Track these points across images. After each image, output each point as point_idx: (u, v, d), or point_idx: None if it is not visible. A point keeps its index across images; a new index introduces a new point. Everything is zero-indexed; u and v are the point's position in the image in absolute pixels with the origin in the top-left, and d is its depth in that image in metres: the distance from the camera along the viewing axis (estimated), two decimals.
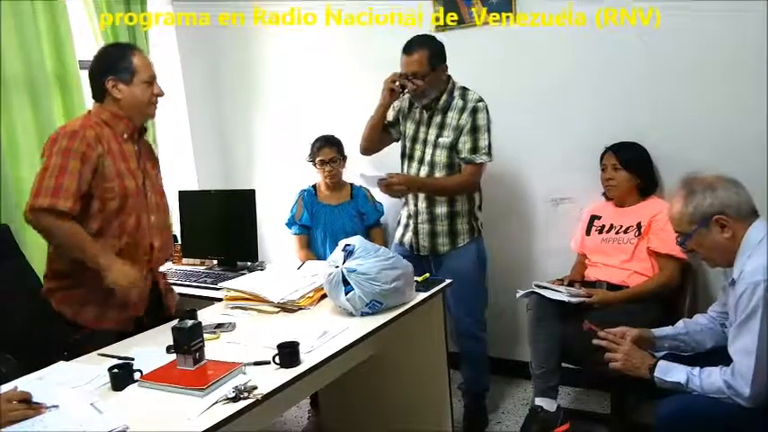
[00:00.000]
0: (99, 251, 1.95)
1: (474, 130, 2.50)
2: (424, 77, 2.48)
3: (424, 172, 2.60)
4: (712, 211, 1.73)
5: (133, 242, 2.07)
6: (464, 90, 2.58)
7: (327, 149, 3.03)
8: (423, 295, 2.19)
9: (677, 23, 2.50)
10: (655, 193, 2.62)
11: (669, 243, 2.39)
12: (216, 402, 1.49)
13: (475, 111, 2.51)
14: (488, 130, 2.53)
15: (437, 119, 2.57)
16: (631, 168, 2.57)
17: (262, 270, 2.80)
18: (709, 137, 2.52)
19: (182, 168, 3.70)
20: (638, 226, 2.52)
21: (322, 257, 3.02)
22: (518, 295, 2.52)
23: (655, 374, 1.79)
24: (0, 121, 2.78)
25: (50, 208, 1.87)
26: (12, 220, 2.79)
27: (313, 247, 3.14)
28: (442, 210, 2.60)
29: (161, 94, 2.12)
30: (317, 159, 3.04)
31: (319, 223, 3.09)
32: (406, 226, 2.71)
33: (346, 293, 2.01)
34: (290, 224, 3.15)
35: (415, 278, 2.22)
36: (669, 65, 2.56)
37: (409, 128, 2.67)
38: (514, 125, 2.92)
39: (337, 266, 2.04)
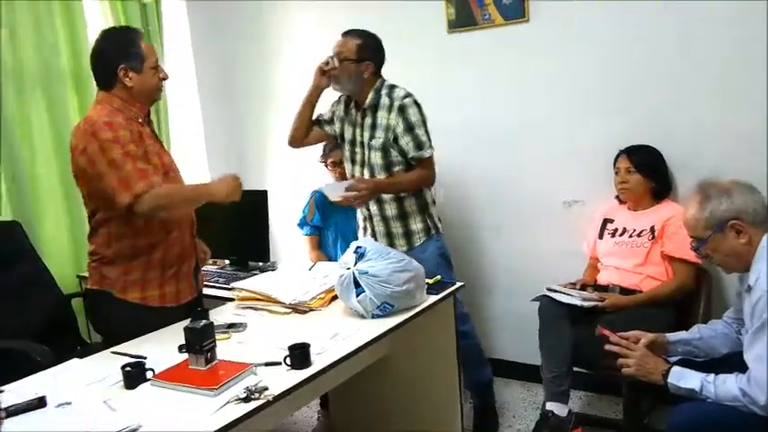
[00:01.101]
0: (198, 188, 2.10)
1: (409, 128, 2.45)
2: (344, 61, 2.46)
3: (366, 175, 2.57)
4: (728, 217, 1.72)
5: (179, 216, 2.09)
6: (391, 88, 2.51)
7: (339, 151, 3.03)
8: (434, 298, 2.19)
9: (692, 24, 2.48)
10: (669, 196, 2.60)
11: (683, 247, 2.37)
12: (227, 403, 1.49)
13: (402, 109, 2.45)
14: (424, 123, 2.49)
15: (368, 119, 2.54)
16: (645, 171, 2.55)
17: (273, 270, 2.80)
18: (724, 140, 2.49)
19: (195, 168, 3.71)
20: (652, 230, 2.50)
21: (333, 258, 3.02)
22: (530, 299, 2.51)
23: (668, 380, 1.78)
24: None
25: (148, 189, 1.87)
26: (26, 216, 2.83)
27: (324, 248, 3.14)
28: (392, 212, 2.58)
29: (167, 77, 2.10)
30: (329, 161, 3.04)
31: (331, 224, 3.09)
32: (365, 229, 2.70)
33: (357, 295, 2.01)
34: (301, 225, 3.15)
35: (427, 280, 2.22)
36: (684, 67, 2.54)
37: (347, 131, 2.64)
38: (527, 126, 2.91)
39: (349, 268, 2.04)
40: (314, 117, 2.68)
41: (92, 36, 3.11)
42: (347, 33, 2.50)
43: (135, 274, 2.01)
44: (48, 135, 2.98)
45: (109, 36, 2.06)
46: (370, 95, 2.51)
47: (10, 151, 2.79)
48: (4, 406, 1.48)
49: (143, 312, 2.01)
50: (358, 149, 2.59)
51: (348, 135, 2.63)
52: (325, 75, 2.51)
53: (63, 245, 3.05)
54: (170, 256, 2.06)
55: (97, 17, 3.20)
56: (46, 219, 2.98)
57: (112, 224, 1.98)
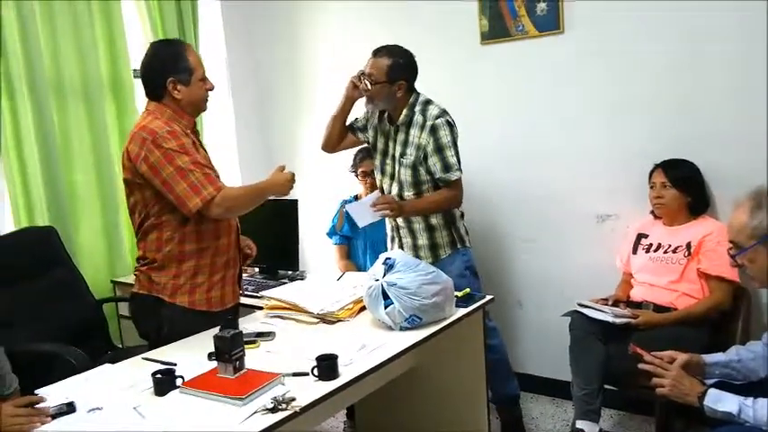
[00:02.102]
0: (258, 186, 2.13)
1: (439, 149, 2.44)
2: (376, 84, 2.45)
3: (395, 189, 2.58)
4: None
5: (227, 224, 2.14)
6: (426, 105, 2.50)
7: (369, 161, 3.03)
8: (463, 311, 2.17)
9: (735, 34, 2.42)
10: (706, 212, 2.53)
11: (720, 265, 2.32)
12: (255, 412, 1.50)
13: (434, 130, 2.43)
14: (454, 144, 2.47)
15: (401, 135, 2.54)
16: (681, 186, 2.49)
17: (302, 279, 2.82)
18: (765, 155, 2.42)
19: (227, 176, 3.76)
20: (688, 246, 2.44)
21: (362, 268, 3.03)
22: (560, 314, 2.47)
23: (705, 403, 1.72)
24: (32, 124, 2.86)
25: (217, 193, 1.95)
26: (63, 222, 2.89)
27: (353, 258, 3.15)
28: (419, 225, 2.58)
29: (212, 87, 2.14)
30: (359, 170, 3.05)
31: (360, 234, 3.09)
32: (393, 239, 2.70)
33: (386, 307, 2.00)
34: (330, 234, 3.17)
35: (456, 293, 2.20)
36: (725, 79, 2.48)
37: (380, 141, 2.64)
38: (560, 139, 2.88)
39: (377, 280, 2.04)
40: (348, 122, 2.70)
41: (130, 40, 3.20)
42: (377, 53, 2.48)
43: (184, 278, 2.05)
44: (86, 142, 3.05)
45: (158, 49, 2.11)
46: (404, 112, 2.51)
47: (49, 158, 2.86)
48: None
49: (191, 316, 2.05)
50: (389, 161, 2.60)
51: (381, 145, 2.64)
52: (357, 88, 2.52)
53: (98, 250, 3.12)
54: (218, 261, 2.11)
55: (133, 17, 3.27)
56: (82, 224, 3.05)
57: (163, 229, 2.03)
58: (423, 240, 2.59)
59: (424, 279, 2.03)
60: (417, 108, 2.51)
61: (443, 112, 2.49)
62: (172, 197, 1.95)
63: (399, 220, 2.61)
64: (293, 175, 2.16)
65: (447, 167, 2.46)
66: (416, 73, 2.53)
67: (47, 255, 2.70)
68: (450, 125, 2.48)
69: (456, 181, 2.50)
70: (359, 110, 2.68)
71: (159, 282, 2.04)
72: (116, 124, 3.19)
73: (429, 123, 2.46)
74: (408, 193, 2.54)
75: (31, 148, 2.82)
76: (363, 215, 2.55)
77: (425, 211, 2.55)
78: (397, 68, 2.45)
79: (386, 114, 2.61)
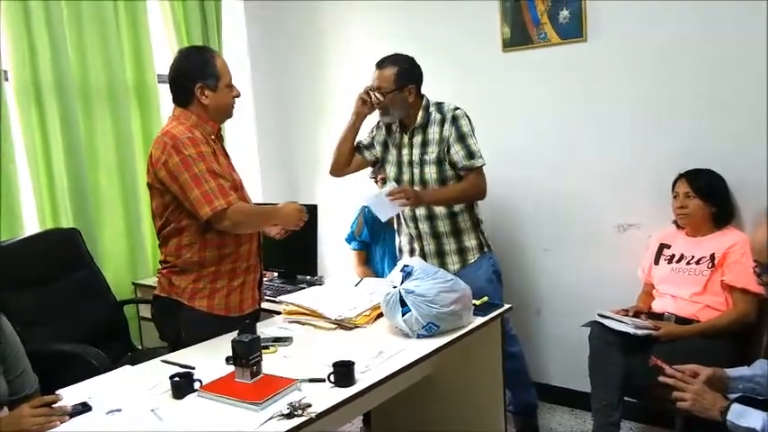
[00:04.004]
0: (269, 210, 2.25)
1: (461, 137, 2.46)
2: (387, 94, 2.46)
3: None
4: None
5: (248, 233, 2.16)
6: (439, 104, 2.54)
7: None
8: (480, 319, 2.15)
9: (758, 43, 2.38)
10: (731, 223, 2.49)
11: (745, 277, 2.27)
12: (271, 418, 1.50)
13: (455, 119, 2.47)
14: (474, 134, 2.49)
15: (418, 138, 2.53)
16: (706, 197, 2.45)
17: (320, 285, 2.82)
18: None
19: (248, 181, 3.78)
20: (712, 257, 2.40)
21: (380, 274, 3.03)
22: (580, 324, 2.44)
23: (727, 418, 1.68)
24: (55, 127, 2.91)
25: (228, 206, 1.97)
26: (86, 224, 2.94)
27: (372, 264, 3.15)
28: (445, 228, 2.55)
29: (239, 94, 2.16)
30: (379, 177, 3.05)
31: (379, 240, 3.10)
32: (412, 250, 2.64)
33: (403, 314, 2.00)
34: (349, 240, 3.17)
35: (474, 301, 2.19)
36: (750, 88, 2.43)
37: (391, 153, 2.62)
38: (581, 146, 2.85)
39: (395, 287, 2.04)
40: (355, 144, 2.68)
41: (154, 44, 3.25)
42: (381, 64, 2.50)
43: (204, 282, 2.06)
44: (111, 146, 3.11)
45: (186, 55, 2.14)
46: (420, 114, 2.51)
47: (74, 161, 2.92)
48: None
49: (209, 320, 2.07)
50: (405, 169, 2.58)
51: (392, 157, 2.62)
52: (367, 104, 2.52)
53: (120, 252, 3.17)
54: (239, 267, 2.12)
55: (157, 17, 3.32)
56: (105, 227, 3.10)
57: (184, 234, 2.05)
58: (450, 245, 2.57)
59: (443, 287, 2.02)
60: (432, 108, 2.53)
61: (459, 107, 2.51)
62: (187, 203, 1.98)
63: (422, 226, 2.58)
64: (303, 209, 2.18)
65: (470, 155, 2.47)
66: (422, 75, 2.54)
67: (71, 256, 2.74)
68: (468, 117, 2.51)
69: (480, 168, 2.50)
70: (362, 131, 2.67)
71: (179, 285, 2.06)
72: (140, 129, 3.24)
73: (449, 115, 2.48)
74: None
75: (58, 151, 2.88)
76: (383, 208, 2.49)
77: (448, 200, 2.52)
78: (403, 74, 2.47)
79: (394, 126, 2.60)
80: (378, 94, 2.47)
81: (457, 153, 2.47)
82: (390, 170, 2.63)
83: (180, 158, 1.96)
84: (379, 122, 2.67)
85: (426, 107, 2.53)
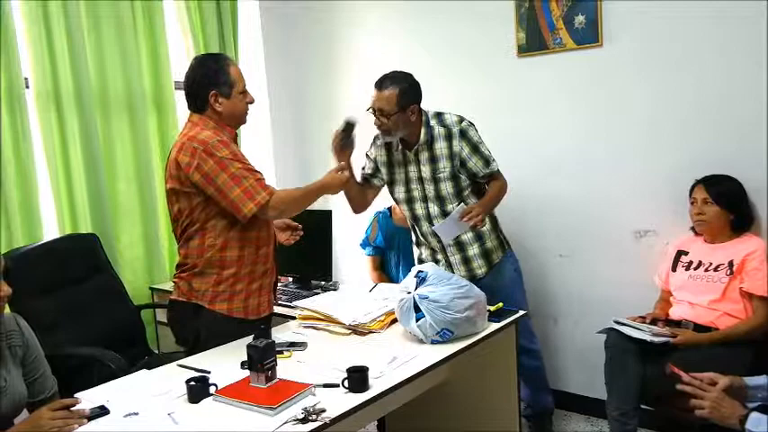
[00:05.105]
0: (310, 188, 2.20)
1: (475, 149, 2.48)
2: (390, 116, 2.38)
3: (434, 208, 2.53)
4: None
5: (267, 234, 2.18)
6: (439, 116, 2.50)
7: None
8: (495, 326, 2.15)
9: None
10: (750, 230, 2.46)
11: (765, 284, 2.25)
12: (285, 422, 1.51)
13: (463, 133, 2.46)
14: (482, 141, 2.51)
15: (424, 154, 2.50)
16: (724, 203, 2.42)
17: (335, 290, 2.83)
18: None
19: None
20: (730, 264, 2.37)
21: (395, 280, 3.03)
22: (596, 331, 2.42)
23: (747, 427, 1.66)
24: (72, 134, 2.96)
25: (270, 197, 2.03)
26: (104, 229, 2.98)
27: (386, 270, 3.15)
28: (467, 234, 2.55)
29: (253, 101, 2.19)
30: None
31: (394, 246, 3.10)
32: (436, 262, 2.62)
33: (417, 320, 2.00)
34: (363, 245, 3.18)
35: (488, 308, 2.18)
36: (766, 94, 2.42)
37: (397, 173, 2.58)
38: (598, 152, 2.84)
39: (409, 292, 2.04)
40: (361, 177, 2.65)
41: (171, 50, 3.29)
42: (381, 85, 2.40)
43: (224, 285, 2.09)
44: (129, 153, 3.15)
45: (201, 63, 2.17)
46: (423, 131, 2.47)
47: (93, 167, 2.96)
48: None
49: (228, 324, 2.09)
50: (415, 186, 2.55)
51: (399, 176, 2.58)
52: (344, 150, 2.40)
53: (138, 257, 3.20)
54: (257, 270, 2.15)
55: (173, 18, 3.35)
56: (123, 232, 3.14)
57: (206, 235, 2.08)
58: (474, 250, 2.58)
59: (457, 293, 2.02)
60: (433, 122, 2.50)
61: (461, 117, 2.50)
62: (226, 203, 2.01)
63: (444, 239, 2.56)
64: (341, 169, 2.23)
65: (487, 162, 2.50)
66: (421, 92, 2.47)
67: (89, 261, 2.78)
68: (472, 124, 2.51)
69: (498, 170, 2.54)
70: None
71: (199, 289, 2.09)
72: (157, 136, 3.28)
73: (456, 129, 2.47)
74: (452, 206, 2.50)
75: (77, 157, 2.93)
76: (450, 230, 2.47)
77: (494, 206, 2.57)
78: (406, 95, 2.40)
79: (394, 144, 2.55)
80: (382, 118, 2.40)
81: (475, 165, 2.49)
82: (398, 188, 2.60)
83: (214, 161, 1.99)
84: (376, 141, 2.61)
85: (427, 122, 2.49)
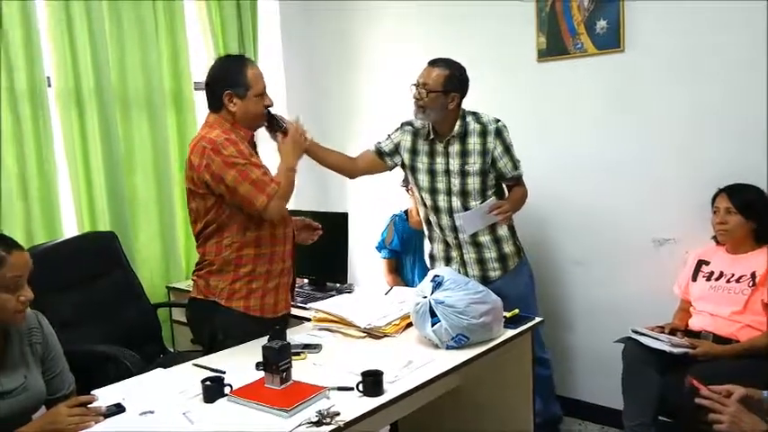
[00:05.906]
0: (280, 168, 2.15)
1: (507, 150, 2.52)
2: (431, 93, 2.41)
3: (456, 202, 2.53)
4: None
5: (284, 233, 2.20)
6: (475, 113, 2.53)
7: None
8: (511, 332, 2.13)
9: None
10: None
11: None
12: (299, 425, 1.51)
13: (499, 132, 2.49)
14: (513, 145, 2.55)
15: (455, 147, 2.51)
16: (747, 212, 2.38)
17: (350, 293, 2.83)
18: None
19: None
20: (753, 276, 2.33)
21: (410, 283, 3.02)
22: (613, 340, 2.39)
23: None
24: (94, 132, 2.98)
25: (278, 186, 2.07)
26: (123, 228, 3.00)
27: (402, 273, 3.14)
28: (486, 237, 2.56)
29: (271, 104, 2.20)
30: (410, 186, 3.05)
31: (410, 249, 3.09)
32: (448, 258, 2.63)
33: (432, 325, 1.99)
34: (379, 248, 3.17)
35: (504, 314, 2.16)
36: None
37: (422, 162, 2.58)
38: (617, 159, 2.80)
39: (425, 297, 2.03)
40: (374, 147, 2.66)
41: (192, 51, 3.31)
42: (434, 63, 2.48)
43: (240, 283, 2.10)
44: (148, 152, 3.17)
45: (221, 62, 2.21)
46: (458, 123, 2.50)
47: (112, 166, 2.98)
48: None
49: (245, 321, 2.10)
50: (441, 177, 2.56)
51: (424, 166, 2.58)
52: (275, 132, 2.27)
53: (155, 256, 3.22)
54: (274, 269, 2.16)
55: (193, 17, 3.37)
56: (141, 231, 3.17)
57: (224, 235, 2.10)
58: (490, 253, 2.58)
59: (473, 298, 2.00)
60: (469, 118, 2.52)
61: (497, 118, 2.53)
62: (238, 199, 2.03)
63: (462, 236, 2.57)
64: (296, 128, 2.21)
65: (515, 166, 2.55)
66: (467, 90, 2.52)
67: (107, 259, 2.80)
68: (506, 126, 2.54)
69: (522, 176, 2.60)
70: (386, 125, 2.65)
71: (216, 286, 2.10)
72: (176, 135, 3.31)
73: (492, 127, 2.49)
74: (475, 203, 2.51)
75: (96, 156, 2.96)
76: (474, 222, 2.49)
77: (517, 210, 2.59)
78: (453, 80, 2.45)
79: (423, 132, 2.56)
80: (422, 91, 2.43)
81: (505, 165, 2.52)
82: (422, 178, 2.60)
83: (221, 159, 2.01)
84: (404, 126, 2.63)
85: (464, 116, 2.52)
